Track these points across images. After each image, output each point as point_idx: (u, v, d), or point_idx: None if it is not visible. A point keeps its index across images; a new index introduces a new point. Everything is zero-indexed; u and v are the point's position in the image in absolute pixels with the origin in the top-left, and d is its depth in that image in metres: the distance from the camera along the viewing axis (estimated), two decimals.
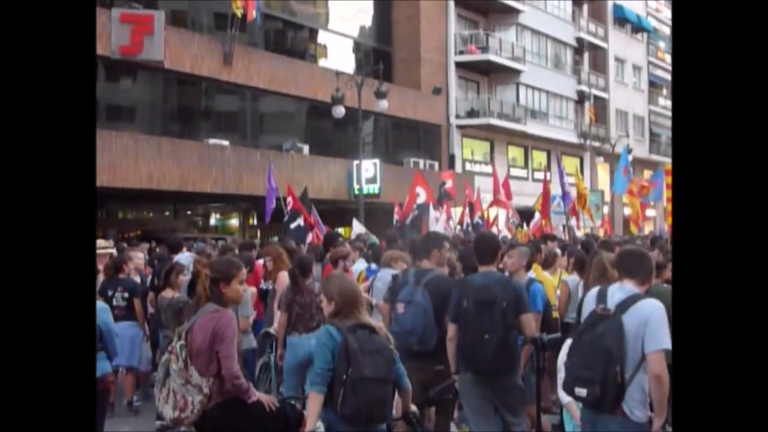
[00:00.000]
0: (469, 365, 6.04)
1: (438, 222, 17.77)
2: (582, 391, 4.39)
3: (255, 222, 30.71)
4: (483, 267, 6.34)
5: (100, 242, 12.97)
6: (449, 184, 22.67)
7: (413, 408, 4.93)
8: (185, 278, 7.99)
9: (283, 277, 8.42)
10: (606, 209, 35.85)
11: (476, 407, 6.18)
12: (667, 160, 44.62)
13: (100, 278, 8.77)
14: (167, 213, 28.70)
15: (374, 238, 13.60)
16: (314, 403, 4.38)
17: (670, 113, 60.44)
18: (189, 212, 30.52)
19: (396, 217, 19.69)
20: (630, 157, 37.75)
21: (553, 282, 8.55)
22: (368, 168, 26.66)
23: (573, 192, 22.59)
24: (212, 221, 32.21)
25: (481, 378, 6.07)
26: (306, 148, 27.27)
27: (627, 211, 29.09)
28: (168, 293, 7.98)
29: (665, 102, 54.38)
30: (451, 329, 6.28)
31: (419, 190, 18.68)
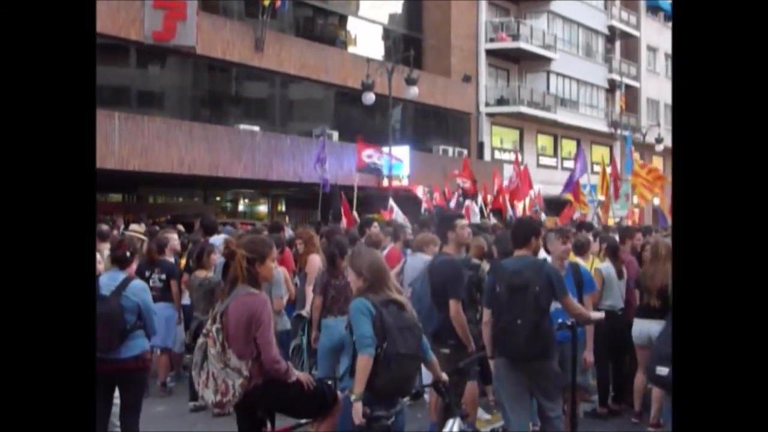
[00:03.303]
0: (502, 350, 6.02)
1: (474, 212, 17.82)
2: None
3: (284, 209, 30.82)
4: (517, 251, 6.31)
5: (133, 226, 13.13)
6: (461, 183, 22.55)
7: (444, 377, 4.97)
8: (217, 258, 8.06)
9: (314, 260, 8.46)
10: (636, 199, 35.55)
11: (511, 392, 6.15)
12: None
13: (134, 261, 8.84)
14: (196, 199, 28.88)
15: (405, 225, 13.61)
16: (367, 365, 4.36)
17: None
18: (218, 198, 30.69)
19: (424, 204, 19.68)
20: (660, 147, 37.50)
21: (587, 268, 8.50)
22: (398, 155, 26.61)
23: (596, 181, 22.48)
24: (241, 207, 32.35)
25: (515, 362, 6.05)
26: (335, 135, 27.29)
27: (657, 201, 28.84)
28: (200, 273, 8.04)
29: None
30: (486, 314, 6.28)
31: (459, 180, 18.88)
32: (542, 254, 6.63)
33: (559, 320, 6.31)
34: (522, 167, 22.18)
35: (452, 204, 18.32)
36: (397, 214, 16.44)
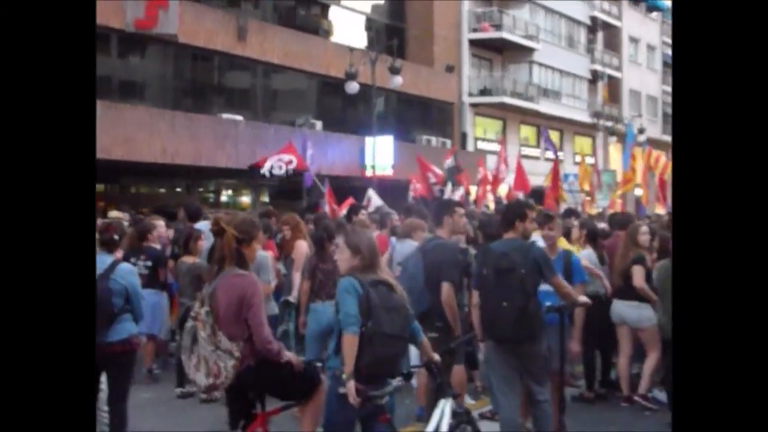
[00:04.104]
0: (490, 333, 6.05)
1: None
2: None
3: (267, 199, 30.72)
4: (505, 234, 6.33)
5: (113, 213, 13.04)
6: (450, 162, 22.47)
7: (436, 357, 4.98)
8: (204, 244, 8.02)
9: (301, 246, 8.45)
10: (619, 191, 35.74)
11: (501, 375, 6.17)
12: None
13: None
14: (179, 189, 28.71)
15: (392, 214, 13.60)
16: (353, 344, 4.37)
17: None
18: (201, 189, 30.54)
19: (411, 193, 19.68)
20: (643, 137, 37.67)
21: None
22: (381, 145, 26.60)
23: (578, 171, 22.58)
24: (224, 198, 32.19)
25: (503, 345, 6.07)
26: (319, 124, 27.23)
27: (639, 191, 29.02)
28: (187, 259, 8.00)
29: None
30: (474, 296, 6.32)
31: (428, 174, 18.82)
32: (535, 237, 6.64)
33: (547, 303, 6.35)
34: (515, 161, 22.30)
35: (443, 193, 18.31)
36: (375, 202, 16.41)
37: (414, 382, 7.66)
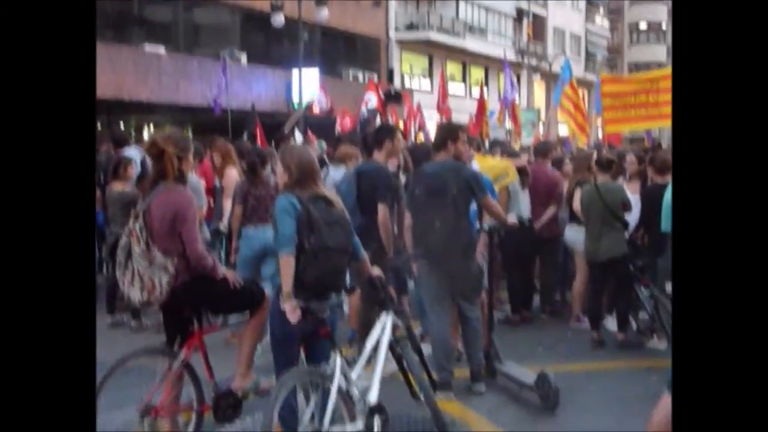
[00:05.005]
0: (422, 252, 6.12)
1: None
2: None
3: (191, 135, 30.14)
4: (437, 155, 6.40)
5: None
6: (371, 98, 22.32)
7: (377, 272, 4.98)
8: (134, 171, 7.89)
9: (231, 173, 8.38)
10: (542, 128, 36.29)
11: (433, 295, 6.30)
12: None
13: None
14: (98, 124, 27.92)
15: (323, 143, 13.59)
16: (288, 265, 4.36)
17: (606, 33, 60.88)
18: (122, 123, 29.75)
19: (338, 128, 19.58)
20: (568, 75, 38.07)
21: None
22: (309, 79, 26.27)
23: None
24: (146, 135, 31.46)
25: (435, 264, 6.17)
26: (244, 57, 26.73)
27: (564, 130, 29.49)
28: (117, 187, 7.86)
29: (602, 21, 54.75)
30: (407, 217, 6.40)
31: (370, 95, 18.62)
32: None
33: (477, 225, 6.49)
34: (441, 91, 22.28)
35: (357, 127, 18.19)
36: (299, 138, 16.32)
37: (345, 307, 7.77)
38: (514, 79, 23.56)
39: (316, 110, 24.73)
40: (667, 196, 6.49)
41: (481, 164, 7.75)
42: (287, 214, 4.43)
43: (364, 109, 18.45)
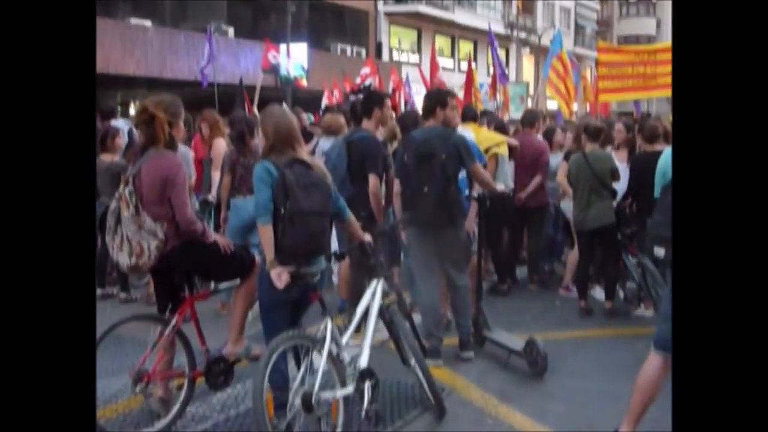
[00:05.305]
0: (411, 219, 6.11)
1: None
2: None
3: None
4: (426, 122, 6.41)
5: None
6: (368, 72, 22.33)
7: (367, 237, 4.99)
8: (122, 141, 7.86)
9: (220, 144, 8.37)
10: (530, 102, 36.24)
11: (422, 262, 6.33)
12: (592, 53, 45.01)
13: None
14: None
15: (310, 115, 13.56)
16: (266, 234, 4.38)
17: (595, 6, 60.69)
18: (108, 99, 29.53)
19: (326, 101, 19.52)
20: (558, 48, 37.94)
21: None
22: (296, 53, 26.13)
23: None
24: (132, 110, 31.24)
25: (424, 231, 6.19)
26: (231, 31, 26.53)
27: (552, 104, 29.44)
28: (105, 158, 7.83)
29: None
30: (396, 184, 6.41)
31: (366, 70, 18.66)
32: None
33: (466, 192, 6.50)
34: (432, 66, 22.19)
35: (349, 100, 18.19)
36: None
37: (335, 278, 7.79)
38: (502, 58, 23.35)
39: (303, 84, 24.70)
40: (662, 162, 6.50)
41: (476, 135, 7.77)
42: (262, 182, 4.43)
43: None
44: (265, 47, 20.80)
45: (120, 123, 8.57)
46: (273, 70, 20.59)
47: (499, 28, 42.77)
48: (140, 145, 4.75)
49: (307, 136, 9.53)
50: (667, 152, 6.55)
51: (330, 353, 4.38)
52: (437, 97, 6.35)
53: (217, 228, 8.06)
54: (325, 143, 8.29)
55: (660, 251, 4.03)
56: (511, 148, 8.51)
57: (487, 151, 7.78)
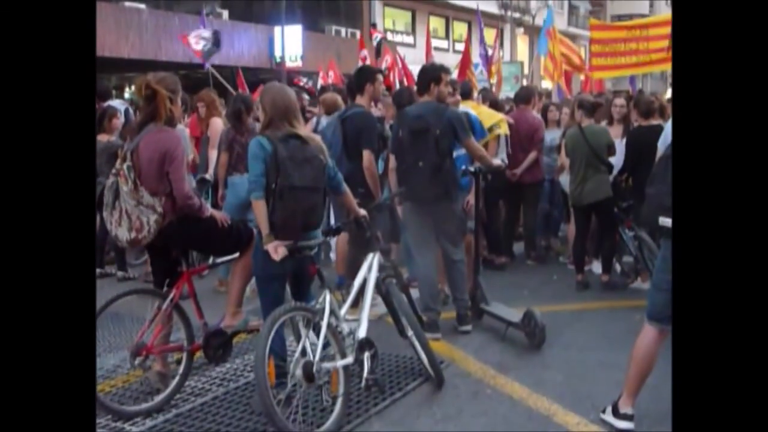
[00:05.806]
0: (406, 194, 6.15)
1: None
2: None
3: None
4: (420, 98, 6.43)
5: None
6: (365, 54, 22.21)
7: (362, 212, 5.03)
8: (120, 122, 7.85)
9: (217, 123, 8.36)
10: (525, 81, 36.16)
11: (418, 237, 6.36)
12: (585, 33, 44.89)
13: None
14: None
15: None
16: (259, 208, 4.40)
17: None
18: (103, 81, 29.43)
19: (321, 81, 19.46)
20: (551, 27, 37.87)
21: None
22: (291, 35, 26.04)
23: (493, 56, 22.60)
24: (127, 94, 31.14)
25: (419, 206, 6.22)
26: (225, 14, 26.43)
27: (546, 83, 29.38)
28: (102, 138, 7.82)
29: None
30: (392, 160, 6.43)
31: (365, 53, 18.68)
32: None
33: (462, 167, 6.52)
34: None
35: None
36: None
37: (333, 256, 7.82)
38: (488, 41, 23.21)
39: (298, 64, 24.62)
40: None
41: (477, 113, 7.78)
42: (255, 157, 4.45)
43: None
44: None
45: (116, 103, 8.56)
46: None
47: (493, 8, 42.62)
48: (139, 121, 4.77)
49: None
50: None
51: (329, 325, 4.42)
52: (431, 72, 6.36)
53: (215, 206, 8.06)
54: (326, 122, 8.27)
55: (667, 221, 3.94)
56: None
57: (490, 130, 7.81)
